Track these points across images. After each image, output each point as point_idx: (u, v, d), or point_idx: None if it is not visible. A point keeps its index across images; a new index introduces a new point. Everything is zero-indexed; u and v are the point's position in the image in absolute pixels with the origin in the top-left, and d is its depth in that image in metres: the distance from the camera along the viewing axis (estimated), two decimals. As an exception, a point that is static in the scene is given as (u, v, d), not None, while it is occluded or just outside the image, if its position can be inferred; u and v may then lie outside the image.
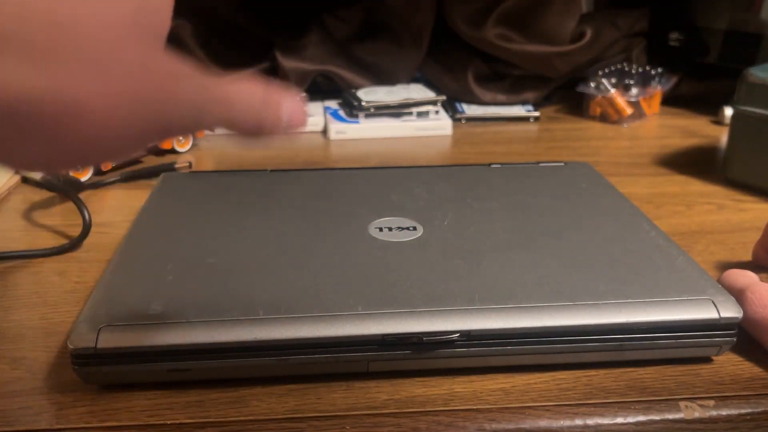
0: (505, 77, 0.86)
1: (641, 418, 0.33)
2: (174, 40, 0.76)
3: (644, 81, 0.83)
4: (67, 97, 0.20)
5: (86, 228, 0.49)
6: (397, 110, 0.77)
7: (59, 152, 0.21)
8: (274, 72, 0.79)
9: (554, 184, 0.52)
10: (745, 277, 0.40)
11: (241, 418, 0.32)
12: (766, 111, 0.57)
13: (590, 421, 0.33)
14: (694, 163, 0.68)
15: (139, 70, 0.21)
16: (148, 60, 0.22)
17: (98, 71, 0.20)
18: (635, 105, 0.81)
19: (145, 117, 0.22)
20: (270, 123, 0.24)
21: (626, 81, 0.82)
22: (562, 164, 0.57)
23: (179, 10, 0.75)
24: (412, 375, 0.35)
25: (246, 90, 0.23)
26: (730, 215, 0.56)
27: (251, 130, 0.24)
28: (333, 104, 0.81)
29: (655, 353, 0.36)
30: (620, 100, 0.81)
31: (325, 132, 0.77)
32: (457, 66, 0.85)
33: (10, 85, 0.19)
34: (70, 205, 0.54)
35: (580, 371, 0.36)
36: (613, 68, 0.85)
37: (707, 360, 0.37)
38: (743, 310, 0.36)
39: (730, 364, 0.37)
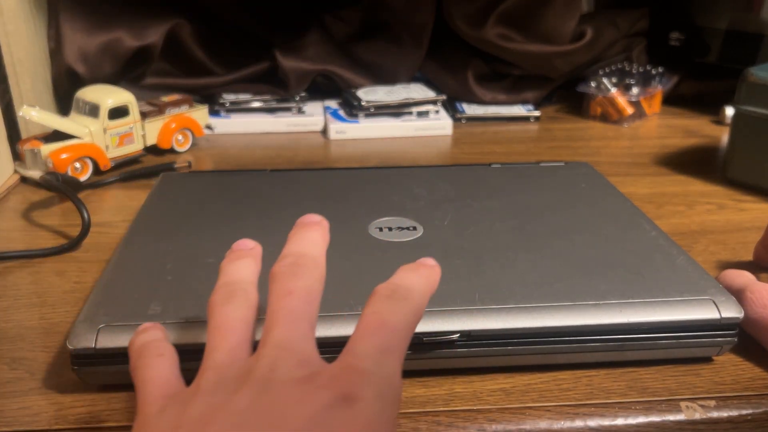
0: (506, 77, 0.86)
1: (642, 419, 0.33)
2: (174, 40, 0.76)
3: (645, 81, 0.83)
4: None
5: (85, 228, 0.49)
6: (397, 110, 0.77)
7: None
8: (274, 72, 0.79)
9: (554, 184, 0.52)
10: (743, 277, 0.40)
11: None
12: (766, 111, 0.57)
13: (591, 422, 0.32)
14: (695, 162, 0.68)
15: None
16: None
17: None
18: (636, 105, 0.81)
19: None
20: None
21: (627, 81, 0.82)
22: (563, 164, 0.57)
23: (179, 10, 0.75)
24: (412, 375, 0.35)
25: None
26: (730, 215, 0.56)
27: None
28: (333, 104, 0.81)
29: (656, 353, 0.36)
30: (621, 100, 0.81)
31: (325, 132, 0.77)
32: (457, 66, 0.85)
33: None
34: (69, 205, 0.54)
35: (581, 371, 0.36)
36: (613, 68, 0.85)
37: (708, 360, 0.37)
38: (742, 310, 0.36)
39: (731, 364, 0.36)
